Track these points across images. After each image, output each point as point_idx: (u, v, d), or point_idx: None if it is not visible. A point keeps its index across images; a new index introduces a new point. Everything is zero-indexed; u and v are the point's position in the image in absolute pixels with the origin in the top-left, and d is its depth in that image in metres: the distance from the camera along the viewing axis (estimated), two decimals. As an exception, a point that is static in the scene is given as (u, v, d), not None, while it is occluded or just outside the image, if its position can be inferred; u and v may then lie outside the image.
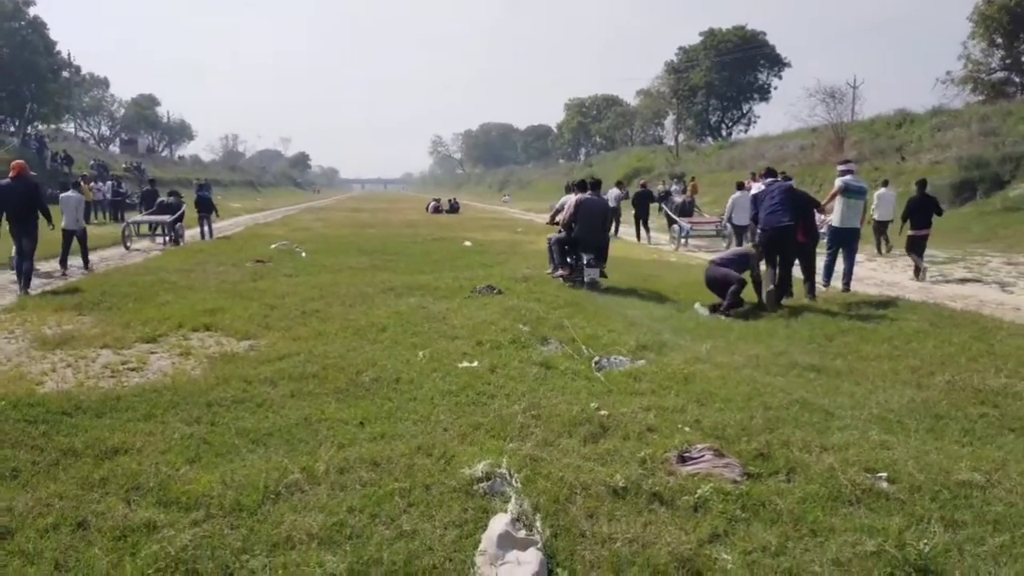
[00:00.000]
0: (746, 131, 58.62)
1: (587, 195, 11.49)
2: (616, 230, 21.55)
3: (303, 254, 15.23)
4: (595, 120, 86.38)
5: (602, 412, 4.77)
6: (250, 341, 7.18)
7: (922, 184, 12.82)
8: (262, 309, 8.58)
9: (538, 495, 3.50)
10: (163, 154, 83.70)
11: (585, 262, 10.81)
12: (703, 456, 3.92)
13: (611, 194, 20.57)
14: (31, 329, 7.68)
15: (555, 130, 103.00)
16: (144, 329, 7.55)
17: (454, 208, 38.99)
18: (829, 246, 10.81)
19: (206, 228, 20.09)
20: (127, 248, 17.20)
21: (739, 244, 15.06)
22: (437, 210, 38.21)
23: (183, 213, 19.20)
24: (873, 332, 7.52)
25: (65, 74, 51.22)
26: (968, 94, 35.05)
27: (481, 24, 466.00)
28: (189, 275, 11.48)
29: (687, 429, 4.52)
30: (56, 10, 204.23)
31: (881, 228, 15.95)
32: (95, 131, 78.21)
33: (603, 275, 11.03)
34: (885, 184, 16.87)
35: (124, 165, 51.72)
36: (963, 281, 12.24)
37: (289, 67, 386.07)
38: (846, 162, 11.25)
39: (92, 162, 43.17)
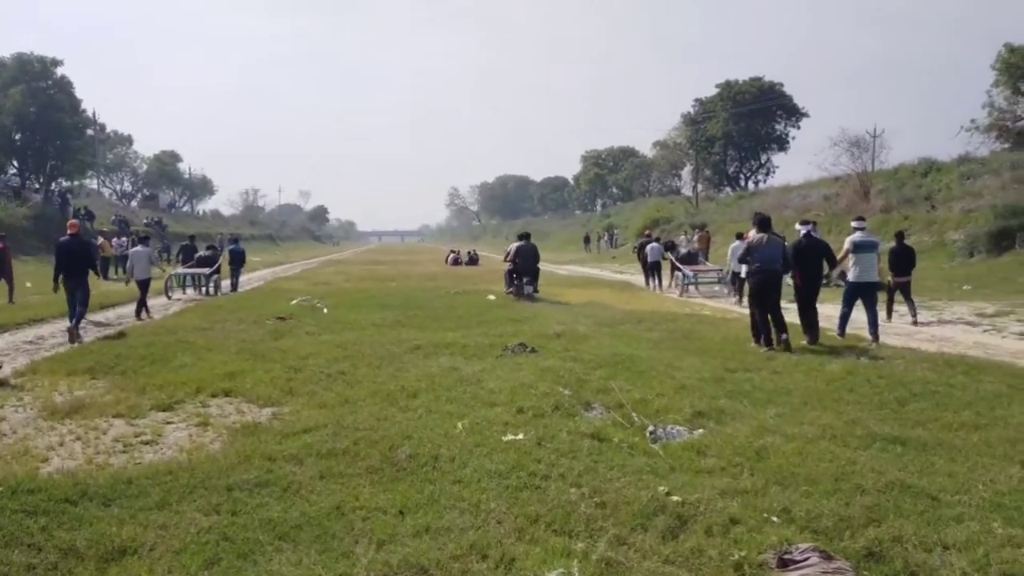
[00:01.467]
0: (764, 181, 58.40)
1: (522, 243, 18.21)
2: (659, 283, 21.93)
3: (325, 310, 14.80)
4: (612, 171, 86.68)
5: (674, 498, 4.19)
6: (273, 408, 6.68)
7: (900, 236, 13.92)
8: (285, 372, 8.08)
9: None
10: (184, 209, 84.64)
11: (525, 282, 17.71)
12: (808, 560, 3.32)
13: (650, 248, 22.28)
14: (41, 395, 7.23)
15: (571, 181, 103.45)
16: (160, 395, 7.07)
17: (473, 260, 38.71)
18: (845, 300, 11.08)
19: (235, 280, 21.53)
20: (168, 298, 18.28)
21: (739, 291, 16.46)
22: (456, 262, 37.94)
23: (219, 266, 20.71)
24: (948, 396, 6.89)
25: (90, 132, 52.09)
26: (993, 142, 34.57)
27: (495, 76, 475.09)
28: (208, 334, 11.05)
29: (776, 520, 3.93)
30: (82, 68, 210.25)
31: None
32: (118, 187, 79.29)
33: (536, 291, 17.85)
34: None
35: (145, 220, 52.13)
36: (1022, 335, 11.55)
37: (308, 120, 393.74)
38: (859, 219, 11.79)
39: (113, 217, 43.47)
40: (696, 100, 60.74)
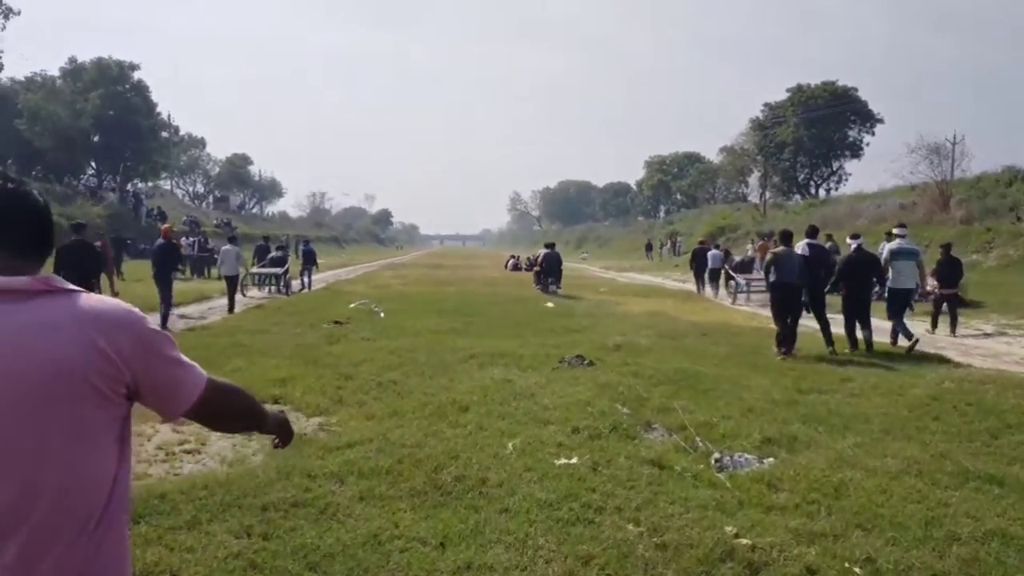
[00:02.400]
0: (836, 188, 56.50)
1: (548, 251, 23.23)
2: (716, 290, 22.20)
3: (381, 314, 14.70)
4: (676, 177, 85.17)
5: (744, 541, 3.77)
6: (320, 418, 6.48)
7: (947, 247, 14.14)
8: (336, 379, 7.90)
9: None
10: (253, 211, 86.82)
11: (550, 282, 22.20)
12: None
13: (711, 256, 22.68)
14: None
15: (634, 187, 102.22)
16: (209, 400, 6.95)
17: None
18: (890, 309, 11.41)
19: (307, 279, 22.32)
20: (243, 295, 18.74)
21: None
22: (516, 267, 37.68)
23: (289, 267, 21.73)
24: (1048, 428, 6.25)
25: (164, 134, 53.86)
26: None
27: (561, 81, 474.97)
28: (263, 337, 11.01)
29: (859, 571, 3.49)
30: (158, 73, 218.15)
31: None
32: (190, 188, 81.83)
33: (559, 288, 22.04)
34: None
35: (215, 221, 53.60)
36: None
37: (375, 125, 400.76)
38: (900, 226, 12.41)
39: (185, 218, 44.73)
40: (766, 105, 59.21)
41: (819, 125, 54.22)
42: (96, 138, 42.01)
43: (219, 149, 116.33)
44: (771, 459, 5.39)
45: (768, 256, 11.55)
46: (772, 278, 10.53)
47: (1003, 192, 30.72)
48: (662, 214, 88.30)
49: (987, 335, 13.26)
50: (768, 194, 57.09)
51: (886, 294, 11.75)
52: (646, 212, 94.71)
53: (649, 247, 55.48)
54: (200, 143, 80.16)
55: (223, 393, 1.69)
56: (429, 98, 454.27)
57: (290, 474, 4.70)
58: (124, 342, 1.43)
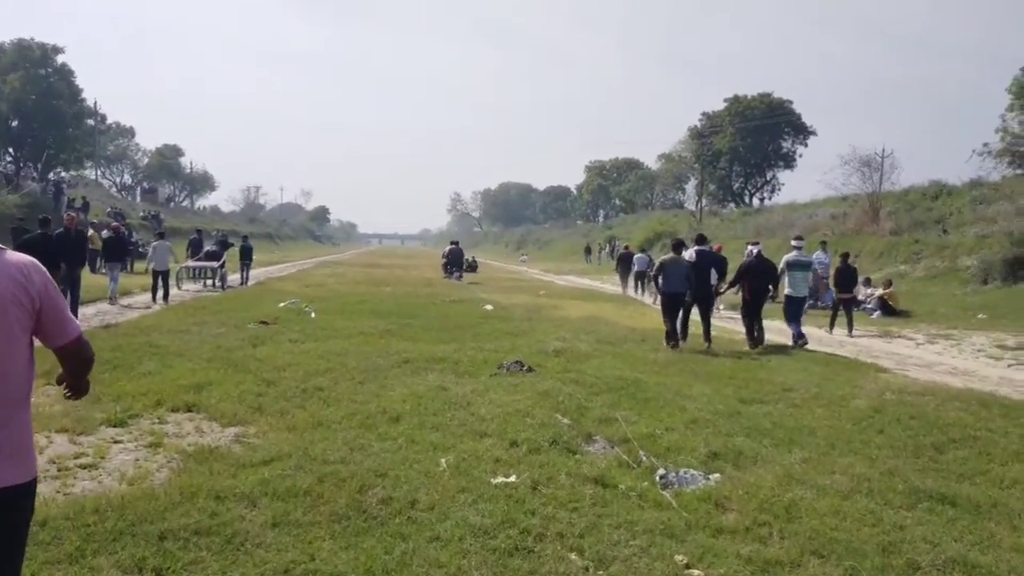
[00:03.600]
0: (770, 198, 57.79)
1: (452, 247, 30.66)
2: (643, 293, 22.92)
3: (312, 314, 14.08)
4: (615, 182, 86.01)
5: (694, 572, 3.47)
6: (236, 428, 5.96)
7: (845, 256, 15.69)
8: (257, 385, 7.36)
9: None
10: (184, 204, 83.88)
11: (453, 270, 28.91)
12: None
13: (637, 259, 24.67)
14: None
15: (574, 191, 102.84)
16: (115, 407, 6.35)
17: (472, 267, 37.97)
18: (787, 315, 12.43)
19: (245, 274, 23.11)
20: (179, 288, 19.46)
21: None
22: (455, 269, 37.23)
23: (225, 260, 21.86)
24: (991, 443, 6.18)
25: (90, 122, 51.37)
26: (1006, 167, 33.88)
27: (504, 83, 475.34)
28: (182, 337, 10.31)
29: (819, 607, 3.22)
30: (84, 58, 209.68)
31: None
32: (118, 179, 78.60)
33: (460, 277, 28.22)
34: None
35: (142, 214, 51.43)
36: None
37: (312, 120, 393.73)
38: (797, 239, 13.61)
39: (109, 209, 42.73)
40: (703, 114, 60.23)
41: (755, 135, 55.38)
42: (15, 123, 39.68)
43: (149, 140, 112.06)
44: (717, 475, 5.13)
45: (656, 263, 12.73)
46: (661, 285, 11.73)
47: (929, 206, 31.69)
48: (601, 218, 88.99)
49: (918, 344, 13.45)
50: (704, 202, 57.98)
51: (781, 300, 12.77)
52: (585, 216, 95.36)
53: (588, 250, 55.63)
54: (129, 132, 77.16)
55: (87, 346, 2.42)
56: (371, 94, 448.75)
57: (196, 495, 4.20)
58: (36, 280, 2.14)
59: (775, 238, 36.53)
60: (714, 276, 12.39)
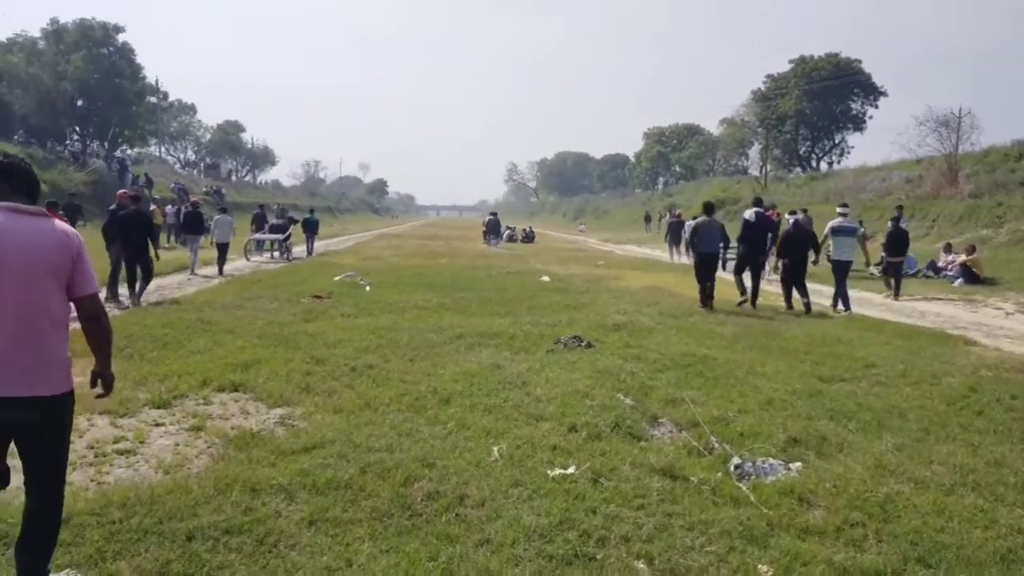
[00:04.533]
0: (838, 162, 55.44)
1: (491, 217, 35.41)
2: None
3: (367, 288, 13.88)
4: (675, 149, 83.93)
5: (783, 588, 3.01)
6: (283, 409, 5.70)
7: (896, 219, 15.52)
8: (306, 363, 7.10)
9: None
10: (246, 179, 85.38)
11: (491, 238, 33.07)
12: None
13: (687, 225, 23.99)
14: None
15: (632, 159, 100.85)
16: (160, 388, 6.16)
17: (529, 237, 37.58)
18: (835, 274, 12.55)
19: (310, 245, 24.53)
20: (247, 259, 20.99)
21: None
22: (512, 239, 36.87)
23: (291, 233, 23.33)
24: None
25: (152, 99, 52.41)
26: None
27: (560, 50, 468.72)
28: (235, 314, 10.17)
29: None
30: (147, 38, 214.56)
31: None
32: (181, 156, 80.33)
33: (498, 244, 32.14)
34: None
35: (204, 189, 52.44)
36: None
37: (369, 94, 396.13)
38: (843, 205, 13.74)
39: (173, 185, 43.63)
40: (768, 76, 57.91)
41: (822, 97, 53.03)
42: (80, 102, 40.67)
43: (211, 117, 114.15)
44: (799, 464, 4.63)
45: (689, 227, 13.19)
46: (696, 247, 12.37)
47: (1012, 167, 29.77)
48: (661, 186, 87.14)
49: (1008, 314, 12.50)
50: (769, 167, 56.04)
51: (823, 263, 13.52)
52: (644, 184, 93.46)
53: (648, 219, 54.42)
54: (191, 109, 78.56)
55: (100, 304, 2.91)
56: (426, 67, 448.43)
57: (231, 487, 3.91)
58: (74, 244, 2.75)
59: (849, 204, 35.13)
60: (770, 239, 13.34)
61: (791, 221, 13.22)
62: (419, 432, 5.00)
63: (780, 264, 12.92)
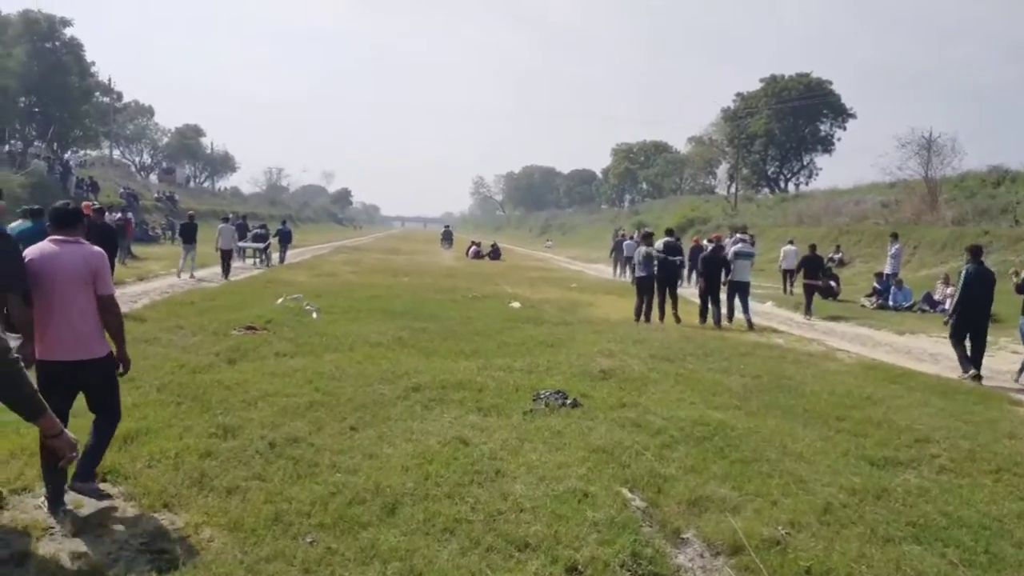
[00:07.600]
0: (806, 183, 54.96)
1: (445, 229, 47.46)
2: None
3: (314, 314, 12.13)
4: (643, 166, 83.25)
5: None
6: (158, 517, 4.03)
7: (813, 247, 17.58)
8: (209, 435, 5.39)
9: None
10: (204, 185, 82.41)
11: (447, 245, 41.98)
12: None
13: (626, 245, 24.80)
14: None
15: (600, 175, 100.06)
16: (-3, 475, 4.43)
17: (496, 254, 36.01)
18: (729, 293, 14.25)
19: (283, 255, 26.84)
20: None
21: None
22: (478, 255, 35.32)
23: (270, 243, 26.11)
24: None
25: (105, 99, 49.78)
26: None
27: (528, 64, 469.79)
28: (144, 349, 8.32)
29: None
30: (106, 37, 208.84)
31: (787, 276, 21.02)
32: (136, 159, 77.22)
33: (449, 248, 41.23)
34: (791, 242, 21.91)
35: (156, 195, 49.94)
36: None
37: (335, 102, 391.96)
38: (742, 230, 16.34)
39: (122, 190, 41.12)
40: (737, 94, 57.38)
41: (791, 117, 52.59)
42: (22, 99, 38.06)
43: (171, 121, 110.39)
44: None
45: (640, 252, 14.38)
46: (642, 270, 14.10)
47: (992, 192, 29.10)
48: (627, 203, 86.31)
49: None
50: (738, 186, 55.32)
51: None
52: (611, 201, 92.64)
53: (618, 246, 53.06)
54: (148, 112, 75.58)
55: (115, 303, 4.31)
56: (394, 77, 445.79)
57: None
58: (95, 260, 4.13)
59: (819, 227, 34.09)
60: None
61: (708, 247, 14.97)
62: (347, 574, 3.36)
63: (700, 281, 14.31)
